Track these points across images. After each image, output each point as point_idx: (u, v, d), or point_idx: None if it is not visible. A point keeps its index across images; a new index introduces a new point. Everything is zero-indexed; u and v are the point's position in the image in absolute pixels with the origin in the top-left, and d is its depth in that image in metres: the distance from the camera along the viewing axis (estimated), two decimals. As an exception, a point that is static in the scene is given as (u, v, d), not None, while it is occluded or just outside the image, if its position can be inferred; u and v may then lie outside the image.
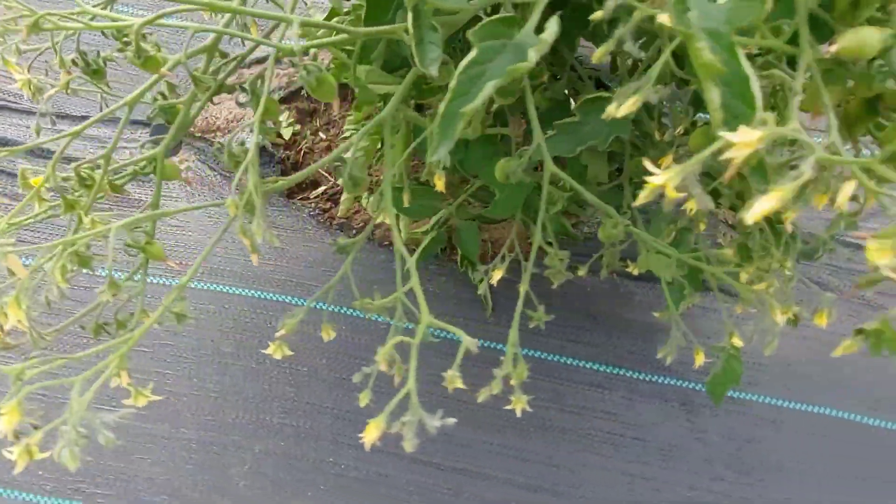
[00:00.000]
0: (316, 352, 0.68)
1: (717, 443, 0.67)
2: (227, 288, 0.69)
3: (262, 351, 0.67)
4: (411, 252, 0.66)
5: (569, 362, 0.68)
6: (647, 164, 0.26)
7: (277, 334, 0.42)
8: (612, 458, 0.65)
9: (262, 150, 0.75)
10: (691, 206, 0.48)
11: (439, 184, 0.43)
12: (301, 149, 0.79)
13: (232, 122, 0.79)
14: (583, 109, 0.45)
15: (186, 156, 0.76)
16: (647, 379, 0.68)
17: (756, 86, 0.25)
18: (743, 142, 0.23)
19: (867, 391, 0.71)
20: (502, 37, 0.28)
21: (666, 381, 0.68)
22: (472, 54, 0.27)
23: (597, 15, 0.31)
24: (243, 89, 0.37)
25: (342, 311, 0.70)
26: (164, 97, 0.37)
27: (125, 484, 0.61)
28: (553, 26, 0.27)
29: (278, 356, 0.42)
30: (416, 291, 0.37)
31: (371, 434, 0.32)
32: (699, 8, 0.27)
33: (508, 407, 0.40)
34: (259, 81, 0.36)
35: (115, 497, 0.60)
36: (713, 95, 0.25)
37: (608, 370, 0.68)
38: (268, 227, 0.35)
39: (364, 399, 0.38)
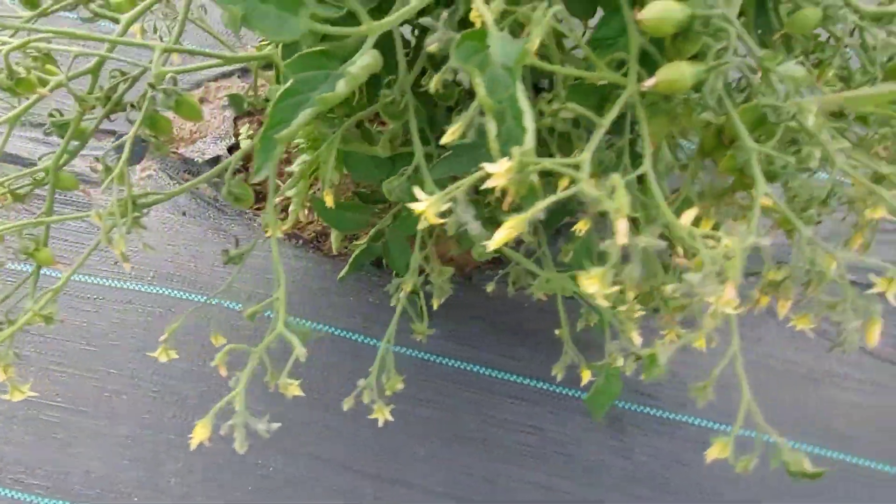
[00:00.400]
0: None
1: (643, 462, 0.67)
2: (174, 292, 0.72)
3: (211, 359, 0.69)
4: (345, 263, 0.69)
5: (498, 376, 0.70)
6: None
7: (161, 338, 0.44)
8: (533, 471, 0.66)
9: (216, 160, 0.78)
10: (581, 227, 0.49)
11: (328, 199, 0.45)
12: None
13: (195, 133, 0.82)
14: (478, 131, 0.47)
15: (148, 164, 0.80)
16: (574, 395, 0.69)
17: (529, 120, 0.26)
18: (496, 172, 0.24)
19: (801, 418, 0.71)
20: (324, 68, 0.30)
21: (595, 398, 0.69)
22: (287, 84, 0.29)
23: (431, 48, 0.33)
24: (133, 107, 0.40)
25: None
26: (61, 114, 0.40)
27: (63, 476, 0.64)
28: (365, 59, 0.29)
29: (164, 359, 0.45)
30: (280, 299, 0.39)
31: (198, 434, 0.34)
32: (501, 45, 0.28)
33: (373, 416, 0.42)
34: (144, 100, 0.38)
35: (53, 489, 0.63)
36: (490, 126, 0.26)
37: (537, 385, 0.69)
38: (226, 236, 0.37)
39: (237, 395, 0.40)
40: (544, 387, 0.69)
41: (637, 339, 0.39)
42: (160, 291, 0.72)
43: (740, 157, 0.32)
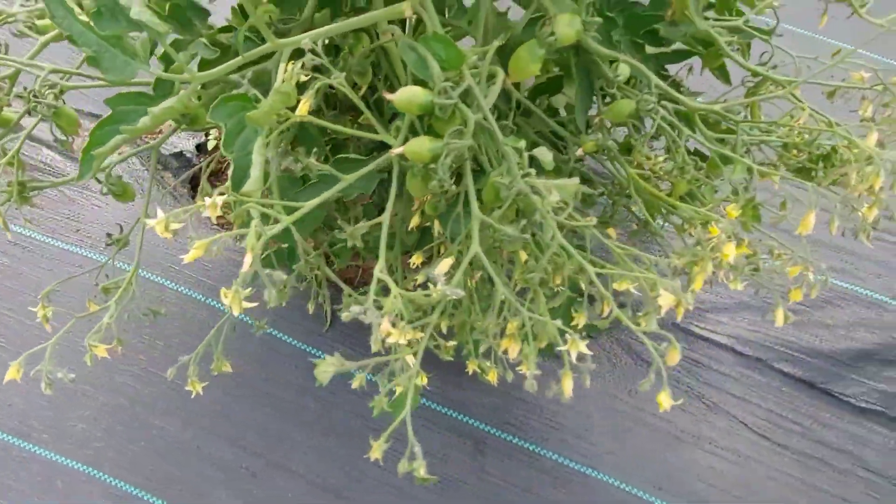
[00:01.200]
0: (178, 331, 0.79)
1: (497, 485, 0.73)
2: (121, 264, 0.82)
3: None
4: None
5: (381, 384, 0.76)
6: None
7: (39, 295, 0.53)
8: (394, 475, 0.72)
9: (179, 155, 0.88)
10: (415, 261, 0.56)
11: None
12: (225, 158, 0.92)
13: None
14: (336, 166, 0.54)
15: (124, 149, 0.90)
16: (446, 413, 0.75)
17: (256, 170, 0.34)
18: (208, 205, 0.32)
19: (661, 473, 0.75)
20: (144, 104, 0.38)
21: (464, 419, 0.75)
22: (108, 114, 0.38)
23: (243, 97, 0.41)
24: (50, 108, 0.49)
25: (208, 302, 0.81)
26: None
27: (-8, 406, 0.74)
28: (169, 103, 0.37)
29: (40, 314, 0.54)
30: (129, 279, 0.47)
31: (10, 374, 0.42)
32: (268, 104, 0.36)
33: (187, 387, 0.50)
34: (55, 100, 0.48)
35: (-20, 415, 0.74)
36: (229, 174, 0.34)
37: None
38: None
39: (50, 346, 0.49)
40: (422, 401, 0.76)
41: (412, 361, 0.46)
42: (104, 259, 0.82)
43: (473, 223, 0.39)
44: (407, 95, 0.37)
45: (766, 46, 0.56)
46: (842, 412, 0.80)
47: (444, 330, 0.54)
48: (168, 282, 0.82)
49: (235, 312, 0.32)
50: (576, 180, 0.34)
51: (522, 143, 0.39)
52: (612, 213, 0.54)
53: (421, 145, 0.38)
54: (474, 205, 0.38)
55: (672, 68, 0.59)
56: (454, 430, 0.75)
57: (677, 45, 0.57)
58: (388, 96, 0.37)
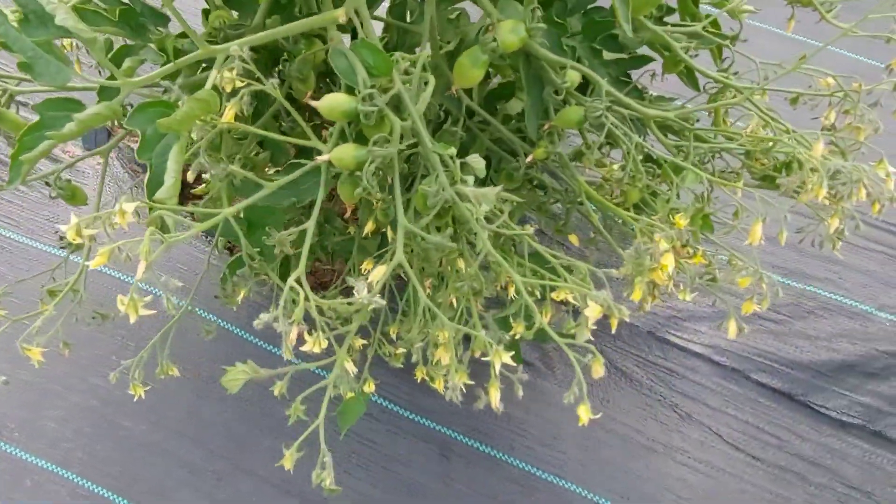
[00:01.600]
0: (152, 332, 0.79)
1: (461, 491, 0.72)
2: (102, 268, 0.83)
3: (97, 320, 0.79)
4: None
5: (349, 389, 0.76)
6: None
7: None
8: (360, 480, 0.72)
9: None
10: (367, 266, 0.56)
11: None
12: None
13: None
14: (289, 171, 0.54)
15: (107, 152, 0.91)
16: (412, 418, 0.75)
17: (170, 176, 0.33)
18: (124, 210, 0.32)
19: (630, 484, 0.74)
20: (72, 110, 0.38)
21: (430, 424, 0.74)
22: (36, 120, 0.38)
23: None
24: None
25: (180, 303, 0.81)
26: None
27: (-37, 405, 0.75)
28: (96, 109, 0.37)
29: (-5, 317, 0.54)
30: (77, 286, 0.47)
31: None
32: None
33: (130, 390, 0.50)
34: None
35: (-45, 413, 0.75)
36: (146, 176, 0.34)
37: (381, 402, 0.75)
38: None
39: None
40: (387, 405, 0.75)
41: (352, 368, 0.45)
42: (86, 262, 0.83)
43: (399, 231, 0.38)
44: (330, 102, 0.37)
45: (748, 49, 0.55)
46: (820, 425, 0.78)
47: (394, 336, 0.54)
48: (141, 283, 0.82)
49: (132, 320, 0.32)
50: (496, 189, 0.34)
51: (452, 150, 0.39)
52: (565, 220, 0.54)
53: (346, 152, 0.37)
54: (400, 213, 0.38)
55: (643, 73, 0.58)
56: (420, 436, 0.74)
57: (642, 50, 0.56)
58: (313, 103, 0.37)
